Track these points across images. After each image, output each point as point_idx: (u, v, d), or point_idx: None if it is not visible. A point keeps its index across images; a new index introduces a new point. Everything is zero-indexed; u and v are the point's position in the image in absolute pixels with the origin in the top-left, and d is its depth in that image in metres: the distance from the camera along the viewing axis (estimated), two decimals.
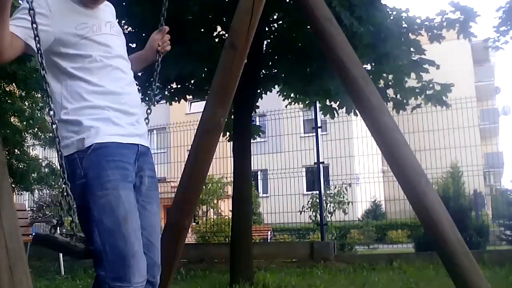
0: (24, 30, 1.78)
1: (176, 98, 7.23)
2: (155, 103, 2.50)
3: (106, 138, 1.81)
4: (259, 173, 18.36)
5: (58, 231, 1.75)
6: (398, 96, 6.48)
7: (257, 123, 9.40)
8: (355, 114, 6.29)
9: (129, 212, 1.77)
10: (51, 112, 1.83)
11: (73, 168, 1.80)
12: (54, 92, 1.89)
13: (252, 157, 6.08)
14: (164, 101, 7.43)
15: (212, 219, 12.42)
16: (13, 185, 9.66)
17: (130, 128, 1.91)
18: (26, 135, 10.74)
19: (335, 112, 6.99)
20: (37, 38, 1.77)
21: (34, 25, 1.77)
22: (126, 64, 2.04)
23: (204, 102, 2.82)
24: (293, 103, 7.78)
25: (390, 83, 6.44)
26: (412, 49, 6.09)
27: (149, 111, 2.26)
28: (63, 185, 1.76)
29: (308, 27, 3.91)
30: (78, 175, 1.78)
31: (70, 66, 1.89)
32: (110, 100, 1.87)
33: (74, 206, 1.76)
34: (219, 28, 6.27)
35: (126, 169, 1.84)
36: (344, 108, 6.56)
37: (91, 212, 1.75)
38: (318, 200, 8.73)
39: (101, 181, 1.76)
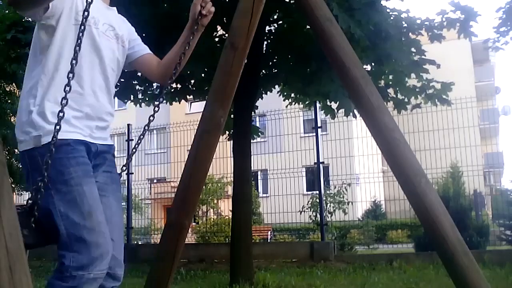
0: None
1: (176, 98, 7.24)
2: (170, 84, 2.39)
3: (65, 135, 1.83)
4: (259, 173, 18.39)
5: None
6: (399, 95, 6.49)
7: (257, 123, 9.42)
8: (354, 116, 6.30)
9: (93, 207, 1.84)
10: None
11: (35, 165, 1.84)
12: (31, 74, 1.94)
13: (252, 157, 6.08)
14: (164, 101, 7.45)
15: (212, 219, 12.43)
16: (13, 185, 9.66)
17: (87, 131, 1.94)
18: None
19: (335, 112, 6.99)
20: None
21: None
22: (111, 72, 2.04)
23: (204, 102, 2.82)
24: (293, 103, 7.79)
25: (390, 82, 6.44)
26: (412, 49, 6.09)
27: (156, 108, 2.22)
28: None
29: (308, 27, 3.91)
30: (39, 173, 1.80)
31: (50, 48, 1.91)
32: (73, 98, 1.85)
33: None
34: (219, 28, 6.27)
35: (87, 164, 1.90)
36: (343, 110, 6.55)
37: (56, 207, 1.80)
38: (318, 200, 8.73)
39: (65, 178, 1.82)
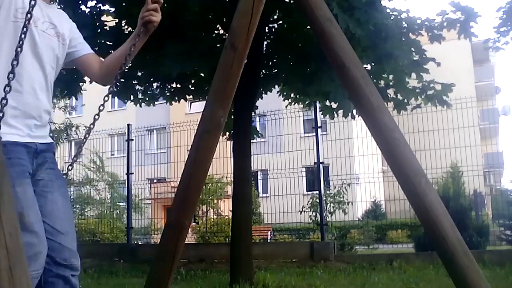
0: None
1: (176, 98, 7.24)
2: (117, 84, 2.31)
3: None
4: (259, 173, 18.39)
5: None
6: (399, 96, 6.49)
7: (257, 123, 9.43)
8: (353, 117, 6.31)
9: (26, 208, 1.84)
10: None
11: None
12: None
13: (252, 157, 6.08)
14: (164, 101, 7.45)
15: (212, 219, 12.43)
16: None
17: (25, 130, 1.93)
18: None
19: (334, 112, 6.99)
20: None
21: None
22: (50, 70, 2.04)
23: (204, 102, 2.82)
24: (293, 103, 7.79)
25: (390, 83, 6.44)
26: (412, 49, 6.10)
27: (102, 107, 2.11)
28: None
29: (308, 27, 3.91)
30: None
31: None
32: (11, 96, 1.76)
33: None
34: (219, 27, 6.28)
35: (22, 165, 1.90)
36: (342, 111, 6.55)
37: None
38: (318, 200, 8.73)
39: None
